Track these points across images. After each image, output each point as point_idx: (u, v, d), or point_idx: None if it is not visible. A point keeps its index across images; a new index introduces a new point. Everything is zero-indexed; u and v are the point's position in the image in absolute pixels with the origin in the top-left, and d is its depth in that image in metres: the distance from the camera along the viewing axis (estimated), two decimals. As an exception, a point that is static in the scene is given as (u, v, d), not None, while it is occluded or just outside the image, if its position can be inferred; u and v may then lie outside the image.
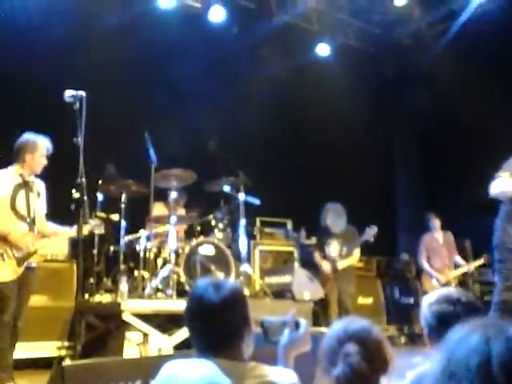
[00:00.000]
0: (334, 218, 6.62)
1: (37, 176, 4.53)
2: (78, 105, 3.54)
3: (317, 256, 6.73)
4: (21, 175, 4.43)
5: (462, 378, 0.82)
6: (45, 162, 4.46)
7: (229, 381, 1.60)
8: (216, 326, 1.73)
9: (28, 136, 4.40)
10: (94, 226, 4.61)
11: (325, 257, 6.66)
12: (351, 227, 6.69)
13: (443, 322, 2.14)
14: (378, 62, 9.06)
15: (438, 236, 7.25)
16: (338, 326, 1.77)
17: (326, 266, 6.57)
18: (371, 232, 6.44)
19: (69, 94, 3.58)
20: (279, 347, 2.01)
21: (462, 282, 7.26)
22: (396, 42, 8.77)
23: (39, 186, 4.60)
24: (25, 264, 4.28)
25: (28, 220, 4.38)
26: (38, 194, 4.56)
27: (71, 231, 4.43)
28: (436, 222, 7.25)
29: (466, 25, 8.02)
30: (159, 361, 1.78)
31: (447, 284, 6.72)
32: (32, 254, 4.30)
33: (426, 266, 7.12)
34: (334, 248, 6.66)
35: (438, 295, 2.26)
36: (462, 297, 2.22)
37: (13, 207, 4.32)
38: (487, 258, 7.06)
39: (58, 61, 6.26)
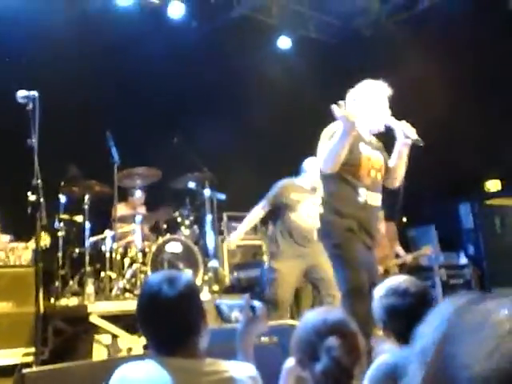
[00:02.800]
0: None
1: None
2: (31, 105, 3.45)
3: None
4: None
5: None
6: None
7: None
8: (173, 321, 1.70)
9: None
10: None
11: None
12: None
13: (394, 316, 2.12)
14: (340, 54, 9.09)
15: (380, 227, 7.31)
16: (314, 317, 1.76)
17: None
18: None
19: (21, 94, 3.49)
20: (237, 334, 2.00)
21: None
22: (356, 33, 8.81)
23: None
24: None
25: None
26: None
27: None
28: (380, 214, 7.31)
29: (426, 14, 8.13)
30: (125, 361, 1.74)
31: (386, 273, 6.68)
32: None
33: None
34: None
35: (387, 287, 2.22)
36: (411, 287, 2.17)
37: None
38: (429, 250, 7.24)
39: (10, 61, 6.11)
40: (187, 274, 1.58)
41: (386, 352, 2.20)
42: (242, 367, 1.76)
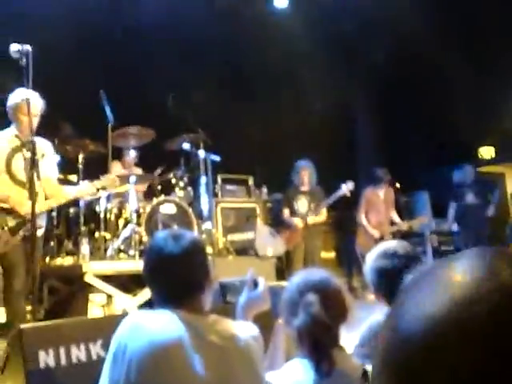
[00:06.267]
0: (310, 175, 6.72)
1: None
2: (24, 60, 3.35)
3: (286, 212, 6.79)
4: (17, 136, 4.01)
5: None
6: (38, 119, 3.97)
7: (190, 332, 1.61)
8: (177, 277, 1.72)
9: (19, 94, 3.84)
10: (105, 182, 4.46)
11: (292, 213, 6.73)
12: (318, 187, 6.81)
13: (384, 277, 2.16)
14: (337, 12, 8.95)
15: (379, 192, 7.20)
16: (298, 278, 1.80)
17: (297, 222, 6.63)
18: (348, 187, 6.58)
19: (14, 48, 3.38)
20: (237, 306, 1.99)
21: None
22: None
23: (43, 146, 4.11)
24: (21, 233, 3.86)
25: (27, 185, 3.78)
26: (42, 156, 3.98)
27: (96, 183, 4.35)
28: (387, 178, 7.17)
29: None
30: (120, 319, 1.72)
31: (381, 239, 6.65)
32: (28, 221, 3.69)
33: (363, 220, 7.11)
34: (302, 204, 6.74)
35: (378, 251, 2.26)
36: (399, 249, 2.22)
37: (9, 172, 3.94)
38: (424, 219, 7.45)
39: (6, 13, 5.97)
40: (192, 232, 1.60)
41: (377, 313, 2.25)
42: (245, 326, 1.77)
